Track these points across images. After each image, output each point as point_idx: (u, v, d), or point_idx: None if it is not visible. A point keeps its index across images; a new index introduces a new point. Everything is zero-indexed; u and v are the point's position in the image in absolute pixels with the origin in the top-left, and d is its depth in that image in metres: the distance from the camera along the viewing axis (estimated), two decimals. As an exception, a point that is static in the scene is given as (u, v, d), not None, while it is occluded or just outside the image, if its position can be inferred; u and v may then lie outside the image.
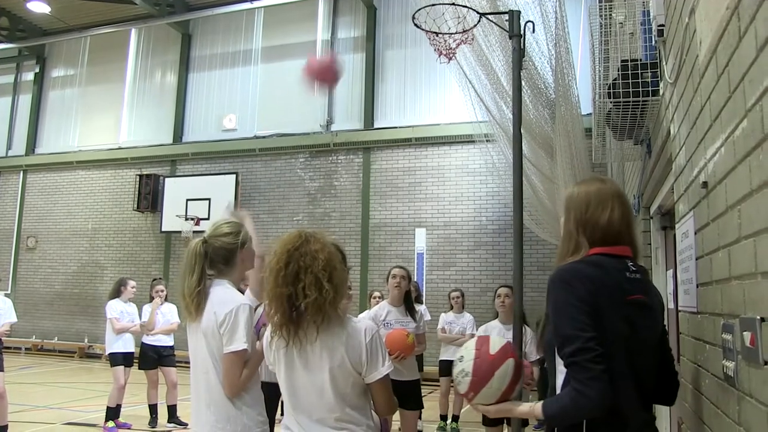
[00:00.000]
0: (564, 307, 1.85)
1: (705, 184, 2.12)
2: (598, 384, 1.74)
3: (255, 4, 14.31)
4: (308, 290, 2.15)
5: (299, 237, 2.25)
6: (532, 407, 1.93)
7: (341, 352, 2.22)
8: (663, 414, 4.06)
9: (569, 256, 2.02)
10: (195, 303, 2.64)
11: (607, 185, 2.07)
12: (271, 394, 2.99)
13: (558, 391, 1.91)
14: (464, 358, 2.08)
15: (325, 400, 2.24)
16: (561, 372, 1.86)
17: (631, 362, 1.86)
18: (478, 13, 4.30)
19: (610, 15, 4.01)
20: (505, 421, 5.00)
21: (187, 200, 14.10)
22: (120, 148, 15.81)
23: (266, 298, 2.25)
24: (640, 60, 3.44)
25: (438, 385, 8.43)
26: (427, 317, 8.09)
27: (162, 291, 7.74)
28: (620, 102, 3.40)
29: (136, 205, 14.95)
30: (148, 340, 7.55)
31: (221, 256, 2.75)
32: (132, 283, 7.77)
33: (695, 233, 2.36)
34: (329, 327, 2.21)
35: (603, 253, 1.96)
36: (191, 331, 2.73)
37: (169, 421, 7.52)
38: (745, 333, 1.60)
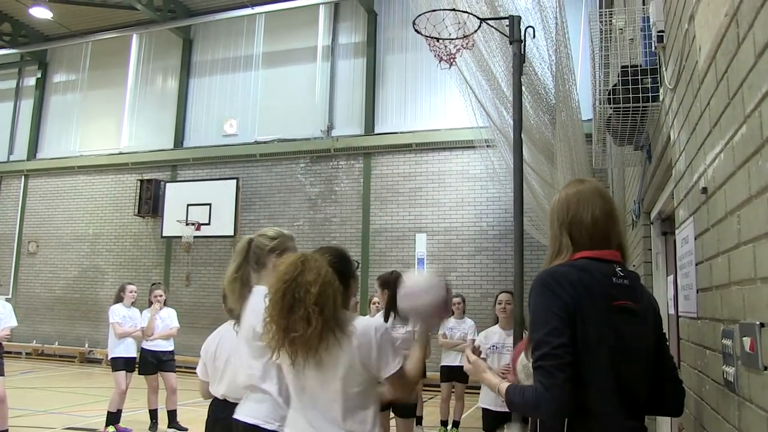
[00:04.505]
0: (540, 311, 1.86)
1: (705, 190, 2.12)
2: (558, 392, 1.74)
3: (256, 10, 14.34)
4: (298, 324, 2.20)
5: (295, 266, 2.27)
6: (499, 383, 2.00)
7: (350, 352, 2.26)
8: (663, 419, 4.05)
9: (554, 259, 2.01)
10: (231, 288, 2.90)
11: (586, 185, 2.06)
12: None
13: None
14: None
15: (334, 398, 2.28)
16: None
17: (615, 369, 1.84)
18: (478, 18, 4.32)
19: (610, 21, 4.01)
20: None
21: (188, 205, 14.11)
22: (121, 153, 15.82)
23: (268, 321, 2.29)
24: (640, 66, 3.44)
25: (439, 391, 8.41)
26: None
27: (161, 296, 7.71)
28: (620, 108, 3.40)
29: (136, 210, 14.95)
30: (148, 345, 7.53)
31: (255, 255, 2.99)
32: (131, 287, 7.75)
33: (695, 239, 2.36)
34: (332, 338, 2.24)
35: (590, 257, 1.94)
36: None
37: (169, 426, 7.50)
38: (744, 338, 1.60)
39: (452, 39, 4.69)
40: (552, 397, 1.74)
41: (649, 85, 3.30)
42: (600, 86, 3.86)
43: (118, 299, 7.64)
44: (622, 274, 1.95)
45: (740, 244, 1.68)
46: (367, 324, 2.36)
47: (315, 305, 2.20)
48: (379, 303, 7.28)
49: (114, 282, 13.81)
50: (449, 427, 7.84)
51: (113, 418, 7.21)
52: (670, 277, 3.69)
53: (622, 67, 3.46)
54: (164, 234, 14.52)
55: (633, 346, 1.89)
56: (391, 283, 4.82)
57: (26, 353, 15.53)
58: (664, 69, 3.07)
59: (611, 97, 3.44)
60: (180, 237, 14.15)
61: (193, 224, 13.95)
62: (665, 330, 3.93)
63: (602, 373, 1.82)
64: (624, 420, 1.86)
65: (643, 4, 3.57)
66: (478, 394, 5.23)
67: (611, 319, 1.86)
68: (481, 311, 10.67)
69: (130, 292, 7.69)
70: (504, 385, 1.95)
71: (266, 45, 14.94)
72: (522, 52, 3.97)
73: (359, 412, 2.30)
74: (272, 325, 2.27)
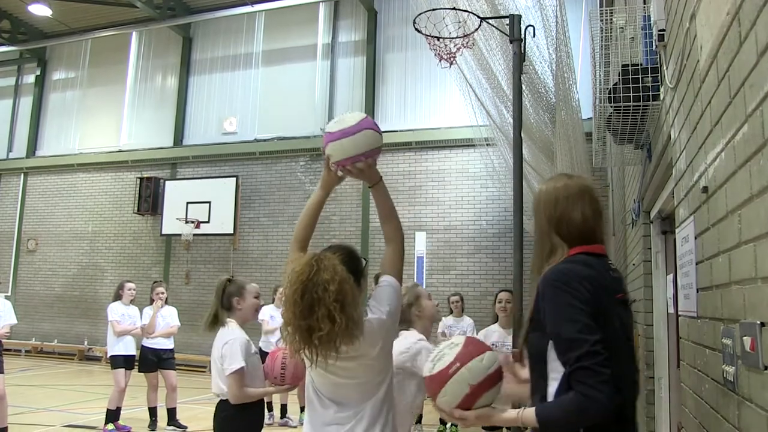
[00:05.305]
0: (564, 309, 1.76)
1: (705, 189, 2.12)
2: (608, 388, 1.67)
3: (256, 8, 14.31)
4: (322, 323, 2.20)
5: (310, 266, 2.27)
6: (519, 414, 1.81)
7: (370, 345, 2.33)
8: (662, 418, 4.06)
9: (547, 258, 1.94)
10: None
11: (574, 180, 2.02)
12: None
13: (550, 398, 1.81)
14: (454, 343, 2.00)
15: (356, 391, 2.37)
16: (554, 379, 1.79)
17: (628, 363, 1.84)
18: (478, 17, 4.32)
19: (611, 19, 4.01)
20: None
21: (188, 203, 14.10)
22: (120, 151, 15.81)
23: (285, 324, 2.30)
24: (641, 64, 3.44)
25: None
26: None
27: (162, 293, 7.71)
28: (621, 106, 3.40)
29: (136, 208, 14.94)
30: (148, 343, 7.54)
31: None
32: (129, 285, 7.75)
33: (695, 238, 2.36)
34: (355, 334, 2.26)
35: (585, 252, 1.91)
36: None
37: (168, 424, 7.51)
38: (745, 338, 1.60)
39: (452, 38, 4.69)
40: (605, 395, 1.66)
41: (649, 84, 3.30)
42: (600, 85, 3.86)
43: (117, 297, 7.64)
44: (613, 267, 1.96)
45: (741, 244, 1.68)
46: (376, 316, 2.41)
47: (335, 302, 2.21)
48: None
49: (113, 280, 13.80)
50: (449, 425, 7.84)
51: (113, 415, 7.21)
52: (670, 276, 3.69)
53: (623, 65, 3.45)
54: (164, 232, 14.51)
55: (630, 339, 1.91)
56: None
57: (26, 351, 15.53)
58: (664, 68, 3.07)
59: (612, 95, 3.44)
60: (179, 235, 14.15)
61: (192, 222, 13.94)
62: (665, 329, 3.93)
63: (619, 368, 1.76)
64: (634, 416, 1.87)
65: (644, 3, 3.57)
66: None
67: (617, 312, 1.85)
68: (481, 310, 10.68)
69: (129, 289, 7.68)
70: (528, 412, 1.78)
71: (266, 43, 14.92)
72: (522, 51, 3.97)
73: (379, 402, 2.39)
74: (292, 326, 2.25)
